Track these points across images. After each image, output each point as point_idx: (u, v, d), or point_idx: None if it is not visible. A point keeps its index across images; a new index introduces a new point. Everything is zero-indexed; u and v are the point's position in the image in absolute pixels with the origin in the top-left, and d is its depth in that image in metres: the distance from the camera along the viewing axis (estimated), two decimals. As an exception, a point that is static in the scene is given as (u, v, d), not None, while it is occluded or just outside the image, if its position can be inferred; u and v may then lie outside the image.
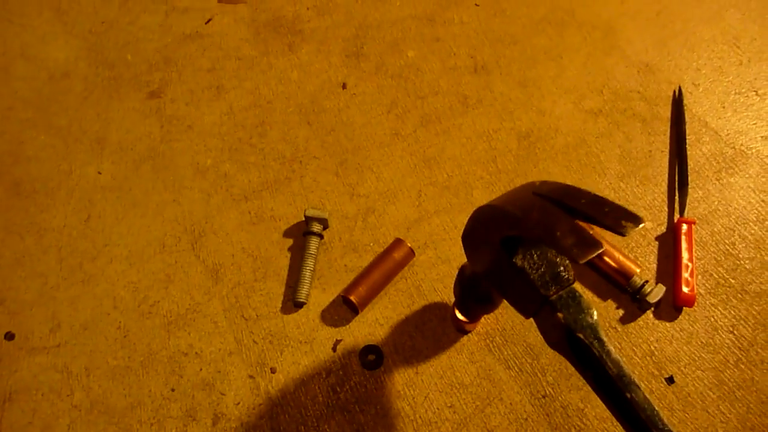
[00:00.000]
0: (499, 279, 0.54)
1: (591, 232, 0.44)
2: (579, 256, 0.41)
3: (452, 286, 0.75)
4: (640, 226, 0.43)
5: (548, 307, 0.49)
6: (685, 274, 0.77)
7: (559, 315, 0.48)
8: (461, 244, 0.58)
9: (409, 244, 0.79)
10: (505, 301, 0.57)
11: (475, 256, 0.58)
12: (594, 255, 0.41)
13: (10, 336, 0.76)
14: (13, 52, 0.99)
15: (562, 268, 0.50)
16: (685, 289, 0.76)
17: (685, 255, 0.79)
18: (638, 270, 0.77)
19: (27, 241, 0.82)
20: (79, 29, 1.02)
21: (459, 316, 0.73)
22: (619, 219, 0.43)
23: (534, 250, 0.50)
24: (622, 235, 0.43)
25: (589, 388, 0.50)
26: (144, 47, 0.99)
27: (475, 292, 0.62)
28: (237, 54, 0.98)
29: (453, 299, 0.74)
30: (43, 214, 0.84)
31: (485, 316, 0.77)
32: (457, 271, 0.65)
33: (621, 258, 0.77)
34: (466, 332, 0.77)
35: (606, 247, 0.78)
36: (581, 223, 0.45)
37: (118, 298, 0.78)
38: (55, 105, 0.93)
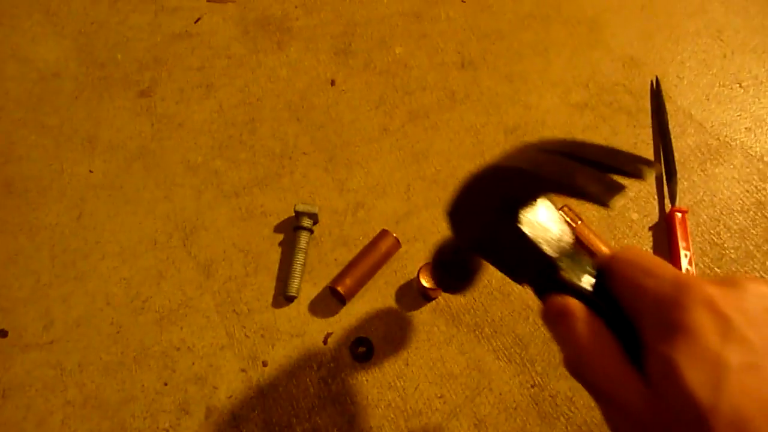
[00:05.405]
0: (495, 247, 0.52)
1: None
2: (606, 199, 0.40)
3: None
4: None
5: (552, 268, 0.46)
6: (684, 263, 0.78)
7: (564, 275, 0.47)
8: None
9: (395, 235, 0.80)
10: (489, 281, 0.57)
11: (465, 229, 0.56)
12: (619, 195, 0.40)
13: (3, 333, 0.77)
14: (3, 54, 0.99)
15: (563, 229, 0.49)
16: None
17: (682, 244, 0.80)
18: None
19: (20, 239, 0.83)
20: (69, 30, 1.02)
21: (425, 283, 0.75)
22: (637, 164, 0.42)
23: (533, 213, 0.48)
24: (642, 179, 0.42)
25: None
26: (134, 47, 1.00)
27: (456, 270, 0.61)
28: (226, 52, 0.99)
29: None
30: (36, 212, 0.85)
31: (477, 308, 0.78)
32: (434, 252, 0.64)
33: (597, 242, 0.78)
34: (431, 299, 0.79)
35: (587, 233, 0.79)
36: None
37: (110, 294, 0.79)
38: (46, 105, 0.94)
